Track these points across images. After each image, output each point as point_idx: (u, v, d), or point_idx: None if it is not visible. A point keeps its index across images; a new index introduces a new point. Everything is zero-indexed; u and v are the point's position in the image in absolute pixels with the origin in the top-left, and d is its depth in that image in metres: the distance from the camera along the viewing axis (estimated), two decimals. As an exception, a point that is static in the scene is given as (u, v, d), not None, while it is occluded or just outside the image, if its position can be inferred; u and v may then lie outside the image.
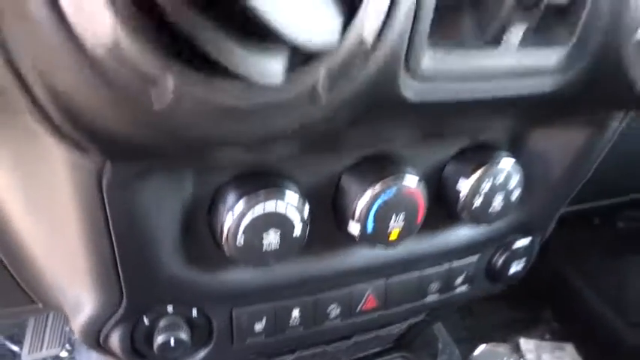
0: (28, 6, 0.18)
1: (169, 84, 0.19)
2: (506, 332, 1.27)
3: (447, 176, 0.44)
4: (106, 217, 0.31)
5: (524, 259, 0.53)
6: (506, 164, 0.42)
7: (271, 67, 0.19)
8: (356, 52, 0.21)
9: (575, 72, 0.29)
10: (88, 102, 0.20)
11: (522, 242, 0.52)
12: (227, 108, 0.20)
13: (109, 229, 0.31)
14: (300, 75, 0.20)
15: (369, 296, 0.47)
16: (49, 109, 0.22)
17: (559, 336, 1.25)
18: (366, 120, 0.26)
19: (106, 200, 0.29)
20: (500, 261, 0.53)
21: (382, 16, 0.21)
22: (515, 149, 0.44)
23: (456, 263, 0.50)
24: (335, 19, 0.20)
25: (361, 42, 0.21)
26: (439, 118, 0.30)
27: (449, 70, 0.26)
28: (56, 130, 0.23)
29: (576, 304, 1.29)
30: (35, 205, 0.36)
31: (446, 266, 0.50)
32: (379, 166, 0.39)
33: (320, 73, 0.20)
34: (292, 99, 0.21)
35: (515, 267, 0.54)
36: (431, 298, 0.51)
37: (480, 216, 0.44)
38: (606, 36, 0.28)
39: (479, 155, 0.43)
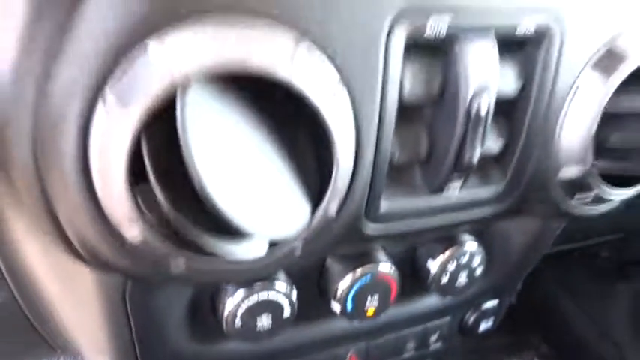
0: (72, 197, 0.25)
1: (182, 260, 0.25)
2: (496, 356, 1.33)
3: (419, 256, 0.50)
4: (127, 312, 0.37)
5: (492, 317, 0.60)
6: (470, 246, 0.49)
7: (254, 248, 0.25)
8: (324, 224, 0.28)
9: (509, 202, 0.36)
10: (115, 260, 0.27)
11: (491, 303, 0.59)
12: (223, 270, 0.27)
13: (129, 321, 0.38)
14: (278, 247, 0.26)
15: (351, 357, 0.54)
16: (82, 253, 0.28)
17: (548, 360, 1.31)
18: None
19: (128, 303, 0.36)
20: (471, 320, 0.59)
21: (343, 193, 0.28)
22: (478, 233, 0.51)
23: (430, 324, 0.57)
24: (304, 207, 0.26)
25: (327, 217, 0.28)
26: (400, 240, 0.37)
27: (402, 212, 0.33)
28: (86, 264, 0.30)
29: (565, 328, 1.34)
30: (63, 279, 0.43)
31: (421, 327, 0.57)
32: (358, 254, 0.45)
33: (295, 243, 0.27)
34: (273, 259, 0.27)
35: (485, 324, 0.60)
36: (408, 354, 0.58)
37: (448, 290, 0.50)
38: (534, 176, 0.35)
39: (446, 239, 0.49)
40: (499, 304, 0.59)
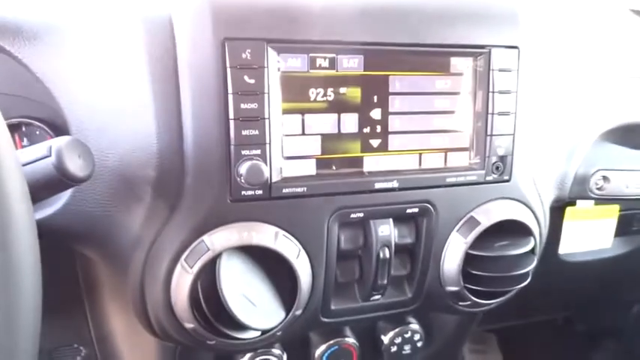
0: (159, 306, 0.48)
1: (213, 340, 0.48)
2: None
3: (377, 331, 0.71)
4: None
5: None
6: (413, 327, 0.69)
7: (252, 334, 0.48)
8: (293, 320, 0.50)
9: (416, 304, 0.58)
10: (178, 337, 0.49)
11: (436, 369, 0.79)
12: (236, 344, 0.49)
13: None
14: (267, 333, 0.48)
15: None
16: (158, 332, 0.51)
17: None
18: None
19: (177, 358, 0.58)
20: (422, 381, 0.79)
21: (305, 302, 0.50)
22: (420, 318, 0.71)
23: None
24: (281, 312, 0.48)
25: (295, 316, 0.50)
26: (355, 324, 0.59)
27: (345, 311, 0.55)
28: (158, 337, 0.52)
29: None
30: (134, 344, 0.66)
31: (380, 385, 0.77)
32: (332, 330, 0.67)
33: (276, 331, 0.49)
34: (264, 339, 0.49)
35: (433, 385, 0.79)
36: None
37: (396, 357, 0.70)
38: (430, 290, 0.57)
39: (396, 320, 0.70)
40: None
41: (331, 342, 0.65)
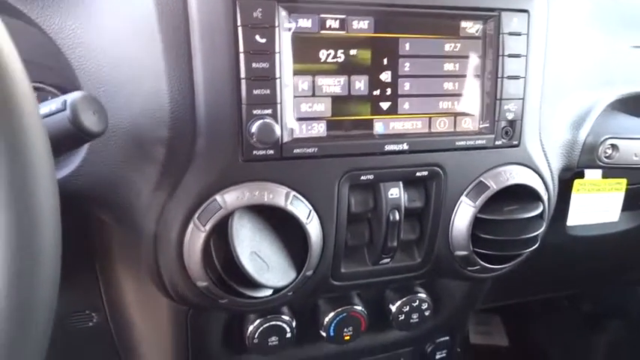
0: (173, 267, 0.48)
1: (226, 298, 0.48)
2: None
3: (385, 300, 0.72)
4: (187, 329, 0.60)
5: (445, 350, 0.80)
6: (420, 295, 0.70)
7: (264, 293, 0.48)
8: (304, 281, 0.50)
9: (425, 269, 0.58)
10: (191, 298, 0.50)
11: (443, 339, 0.79)
12: (247, 303, 0.49)
13: (187, 335, 0.61)
14: (278, 293, 0.49)
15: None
16: (172, 294, 0.52)
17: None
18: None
19: (188, 323, 0.59)
20: (429, 350, 0.79)
21: (315, 264, 0.51)
22: (428, 286, 0.71)
23: (397, 352, 0.77)
24: (292, 272, 0.49)
25: (305, 277, 0.50)
26: (364, 289, 0.60)
27: (354, 274, 0.56)
28: (171, 299, 0.53)
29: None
30: (146, 309, 0.66)
31: (391, 354, 0.77)
32: (340, 298, 0.67)
33: (287, 291, 0.50)
34: (275, 299, 0.50)
35: (440, 355, 0.80)
36: (382, 375, 0.78)
37: (404, 326, 0.71)
38: (440, 254, 0.57)
39: (404, 288, 0.70)
40: (450, 339, 0.79)
41: (339, 309, 0.66)
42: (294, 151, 0.48)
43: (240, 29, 0.44)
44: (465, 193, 0.55)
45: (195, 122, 0.46)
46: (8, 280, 0.27)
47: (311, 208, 0.50)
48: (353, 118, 0.50)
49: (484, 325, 1.57)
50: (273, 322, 0.64)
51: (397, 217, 0.52)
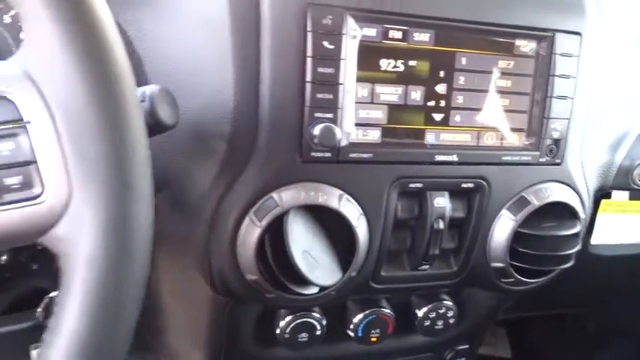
0: (224, 259, 0.50)
1: (273, 293, 0.50)
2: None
3: (411, 305, 0.73)
4: (223, 321, 0.62)
5: (464, 358, 0.81)
6: (446, 303, 0.71)
7: (311, 290, 0.50)
8: (348, 281, 0.52)
9: (460, 278, 0.59)
10: (238, 291, 0.52)
11: (463, 347, 0.81)
12: (291, 299, 0.51)
13: (223, 327, 0.63)
14: (323, 291, 0.51)
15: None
16: (218, 286, 0.53)
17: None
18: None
19: (225, 315, 0.61)
20: (448, 357, 0.81)
21: (359, 266, 0.52)
22: (453, 294, 0.73)
23: (418, 356, 0.79)
24: (338, 272, 0.50)
25: (350, 277, 0.52)
26: (398, 294, 0.61)
27: (393, 278, 0.57)
28: (217, 292, 0.55)
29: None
30: (181, 298, 0.68)
31: (410, 357, 0.79)
32: (369, 300, 0.69)
33: (331, 290, 0.51)
34: (320, 297, 0.51)
35: (459, 363, 0.82)
36: (403, 378, 0.80)
37: (429, 332, 0.72)
38: (476, 265, 0.58)
39: (431, 296, 0.72)
40: (469, 347, 0.81)
41: (368, 311, 0.68)
42: (350, 155, 0.49)
43: (309, 34, 0.46)
44: (507, 206, 0.57)
45: (257, 120, 0.47)
46: (109, 255, 0.29)
47: (361, 211, 0.51)
48: (406, 126, 0.52)
49: (488, 336, 1.58)
50: (305, 319, 0.66)
51: (441, 226, 0.54)
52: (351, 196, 0.50)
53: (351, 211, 0.50)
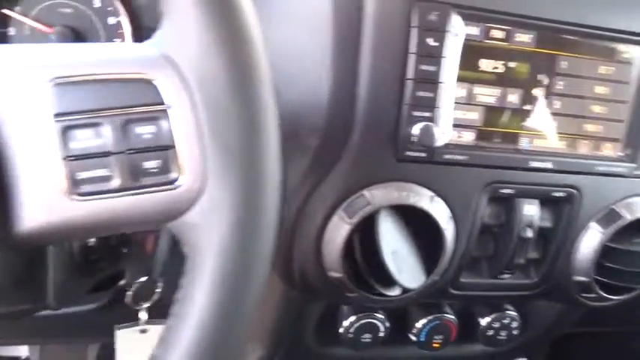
0: (309, 257, 0.49)
1: (356, 293, 0.49)
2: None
3: (475, 314, 0.71)
4: (288, 320, 0.61)
5: (523, 372, 0.79)
6: (511, 314, 0.69)
7: (395, 292, 0.49)
8: (430, 284, 0.50)
9: (540, 289, 0.57)
10: (319, 289, 0.51)
11: (522, 359, 0.78)
12: (371, 299, 0.50)
13: (288, 324, 0.62)
14: (406, 294, 0.49)
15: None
16: (298, 283, 0.53)
17: None
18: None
19: (293, 310, 0.60)
20: (507, 369, 0.79)
21: (442, 271, 0.51)
22: (518, 305, 0.71)
23: (477, 366, 0.77)
24: (422, 275, 0.49)
25: (433, 281, 0.50)
26: (466, 301, 0.60)
27: (472, 285, 0.56)
28: (296, 289, 0.54)
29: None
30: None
31: (472, 366, 0.77)
32: (433, 305, 0.67)
33: (413, 292, 0.50)
34: (401, 299, 0.50)
35: (517, 375, 0.80)
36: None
37: (491, 342, 0.70)
38: (558, 277, 0.56)
39: (496, 305, 0.70)
40: (528, 360, 0.79)
41: (432, 316, 0.66)
42: (445, 156, 0.48)
43: (413, 30, 0.45)
44: (596, 219, 0.54)
45: (353, 116, 0.46)
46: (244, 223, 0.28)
47: (450, 214, 0.50)
48: (502, 130, 0.50)
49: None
50: (369, 320, 0.65)
51: (529, 235, 0.52)
52: (441, 198, 0.49)
53: (441, 213, 0.49)
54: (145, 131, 0.28)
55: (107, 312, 0.51)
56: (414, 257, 0.49)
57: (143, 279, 0.46)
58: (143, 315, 0.46)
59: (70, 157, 0.27)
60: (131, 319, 0.52)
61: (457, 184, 0.49)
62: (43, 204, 0.27)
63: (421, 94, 0.46)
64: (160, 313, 0.49)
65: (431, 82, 0.46)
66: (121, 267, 0.46)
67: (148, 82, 0.28)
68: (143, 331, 0.47)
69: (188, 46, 0.28)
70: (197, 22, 0.28)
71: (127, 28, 0.56)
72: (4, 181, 0.27)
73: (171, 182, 0.28)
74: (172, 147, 0.28)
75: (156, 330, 0.47)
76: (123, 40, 0.56)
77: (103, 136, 0.28)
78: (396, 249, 0.48)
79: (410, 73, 0.45)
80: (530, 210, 0.52)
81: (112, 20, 0.56)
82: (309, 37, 0.47)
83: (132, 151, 0.28)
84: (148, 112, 0.28)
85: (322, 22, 0.46)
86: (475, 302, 0.66)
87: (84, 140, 0.27)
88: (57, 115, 0.27)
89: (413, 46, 0.45)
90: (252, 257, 0.29)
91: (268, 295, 0.63)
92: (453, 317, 0.67)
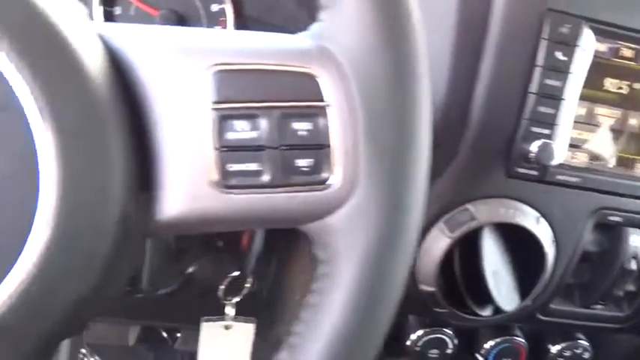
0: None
1: (446, 310, 0.47)
2: None
3: (545, 340, 0.68)
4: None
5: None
6: (583, 343, 0.66)
7: (488, 313, 0.47)
8: (523, 308, 0.48)
9: (628, 324, 0.54)
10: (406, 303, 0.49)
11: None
12: (468, 319, 0.48)
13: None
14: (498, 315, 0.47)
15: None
16: None
17: None
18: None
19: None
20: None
21: (535, 296, 0.49)
22: (590, 334, 0.68)
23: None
24: (517, 298, 0.47)
25: (526, 305, 0.48)
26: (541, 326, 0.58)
27: (562, 313, 0.53)
28: None
29: None
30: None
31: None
32: (503, 327, 0.65)
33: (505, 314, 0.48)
34: (491, 319, 0.48)
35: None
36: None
37: (562, 371, 0.68)
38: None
39: (567, 334, 0.67)
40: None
41: (502, 338, 0.64)
42: (557, 176, 0.46)
43: (543, 42, 0.42)
44: None
45: (465, 125, 0.45)
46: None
47: (553, 237, 0.47)
48: (619, 154, 0.47)
49: None
50: (438, 335, 0.63)
51: (633, 267, 0.49)
52: (546, 219, 0.47)
53: (546, 235, 0.47)
54: (301, 127, 0.27)
55: (173, 298, 0.51)
56: (511, 278, 0.47)
57: (235, 273, 0.45)
58: (230, 310, 0.45)
59: (224, 147, 0.26)
60: (195, 307, 0.51)
61: (565, 207, 0.47)
62: (189, 193, 0.27)
63: (542, 109, 0.43)
64: (244, 309, 0.48)
65: (554, 97, 0.43)
66: (212, 259, 0.45)
67: (310, 77, 0.27)
68: (227, 327, 0.46)
69: (351, 42, 0.27)
70: (364, 16, 0.26)
71: (230, 16, 0.55)
72: (150, 166, 0.26)
73: (321, 182, 0.27)
74: (327, 146, 0.27)
75: (240, 328, 0.46)
76: (224, 28, 0.56)
77: (259, 129, 0.26)
78: (496, 268, 0.46)
79: (534, 86, 0.43)
80: (637, 241, 0.49)
81: (215, 7, 0.56)
82: (430, 36, 0.45)
83: (285, 147, 0.27)
84: (307, 107, 0.27)
85: (446, 23, 0.44)
86: (550, 328, 0.63)
87: (240, 132, 0.26)
88: (215, 102, 0.26)
89: (540, 59, 0.43)
90: (395, 266, 0.28)
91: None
92: (523, 341, 0.64)
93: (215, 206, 0.27)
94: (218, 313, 0.48)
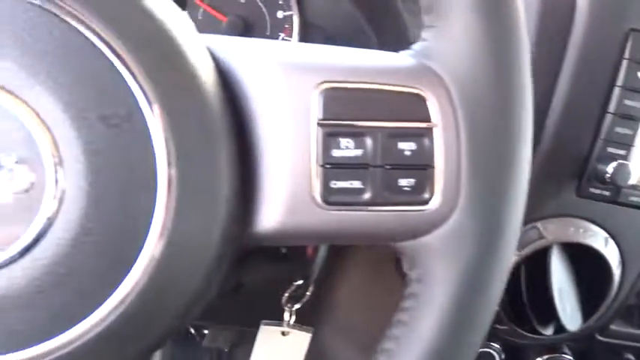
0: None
1: (507, 326, 0.47)
2: None
3: (593, 357, 0.67)
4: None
5: None
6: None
7: (548, 332, 0.46)
8: (584, 328, 0.48)
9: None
10: None
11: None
12: (527, 337, 0.48)
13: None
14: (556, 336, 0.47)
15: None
16: None
17: None
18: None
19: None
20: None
21: (596, 317, 0.48)
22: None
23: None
24: (579, 318, 0.46)
25: (587, 326, 0.48)
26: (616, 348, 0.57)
27: (623, 332, 0.52)
28: None
29: None
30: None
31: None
32: (550, 344, 0.64)
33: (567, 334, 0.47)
34: (547, 339, 0.48)
35: None
36: None
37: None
38: None
39: (616, 354, 0.66)
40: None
41: (548, 356, 0.63)
42: (630, 198, 0.45)
43: (624, 62, 0.42)
44: None
45: (537, 143, 0.44)
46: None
47: (620, 258, 0.47)
48: (692, 177, 0.47)
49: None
50: (486, 349, 0.63)
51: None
52: (614, 240, 0.46)
53: (614, 257, 0.46)
54: (406, 147, 0.27)
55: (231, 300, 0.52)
56: (577, 298, 0.47)
57: (299, 282, 0.46)
58: (288, 317, 0.46)
59: (328, 164, 0.27)
60: (249, 310, 0.52)
61: (634, 229, 0.46)
62: (289, 207, 0.27)
63: (619, 130, 0.43)
64: (301, 317, 0.48)
65: (632, 118, 0.43)
66: (276, 265, 0.46)
67: (419, 98, 0.27)
68: (284, 333, 0.46)
69: (460, 66, 0.27)
70: (475, 42, 0.26)
71: (295, 24, 0.56)
72: (250, 177, 0.27)
73: (422, 203, 0.27)
74: (431, 167, 0.27)
75: (297, 335, 0.46)
76: (288, 36, 0.56)
77: (365, 148, 0.27)
78: (562, 287, 0.45)
79: (612, 106, 0.42)
80: None
81: (280, 14, 0.56)
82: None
83: (390, 167, 0.27)
84: (413, 128, 0.27)
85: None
86: (601, 347, 0.62)
87: (345, 149, 0.27)
88: (322, 120, 0.27)
89: (620, 79, 0.42)
90: (490, 289, 0.28)
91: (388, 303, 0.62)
92: (571, 359, 0.63)
93: (313, 221, 0.27)
94: (273, 318, 0.48)
